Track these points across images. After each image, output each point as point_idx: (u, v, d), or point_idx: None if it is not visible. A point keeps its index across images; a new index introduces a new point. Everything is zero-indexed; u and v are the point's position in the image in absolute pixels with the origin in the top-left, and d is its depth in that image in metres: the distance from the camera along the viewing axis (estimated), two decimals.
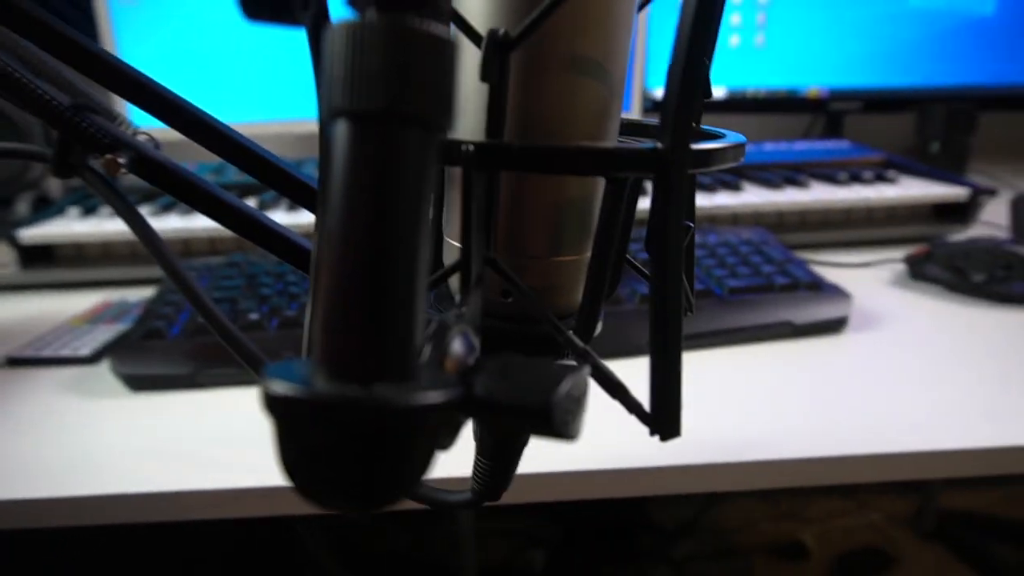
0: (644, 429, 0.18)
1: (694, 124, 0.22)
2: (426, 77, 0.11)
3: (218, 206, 0.28)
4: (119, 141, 0.29)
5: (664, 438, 0.17)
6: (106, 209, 0.70)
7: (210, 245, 0.67)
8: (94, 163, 0.29)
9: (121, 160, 0.29)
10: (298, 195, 0.28)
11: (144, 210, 0.70)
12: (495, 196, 0.17)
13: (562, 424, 0.13)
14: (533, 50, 0.17)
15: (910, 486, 1.27)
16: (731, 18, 0.94)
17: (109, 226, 0.66)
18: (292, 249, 0.24)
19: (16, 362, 0.48)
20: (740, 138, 0.19)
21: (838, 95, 0.97)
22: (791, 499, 1.27)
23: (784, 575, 1.17)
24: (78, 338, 0.51)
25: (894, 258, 0.65)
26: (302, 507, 0.37)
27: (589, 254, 0.19)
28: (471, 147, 0.16)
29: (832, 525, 1.23)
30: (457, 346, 0.14)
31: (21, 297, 0.63)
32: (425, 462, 0.12)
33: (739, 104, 0.96)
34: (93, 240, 0.65)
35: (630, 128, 0.23)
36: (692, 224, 0.21)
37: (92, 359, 0.49)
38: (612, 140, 0.20)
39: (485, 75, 0.16)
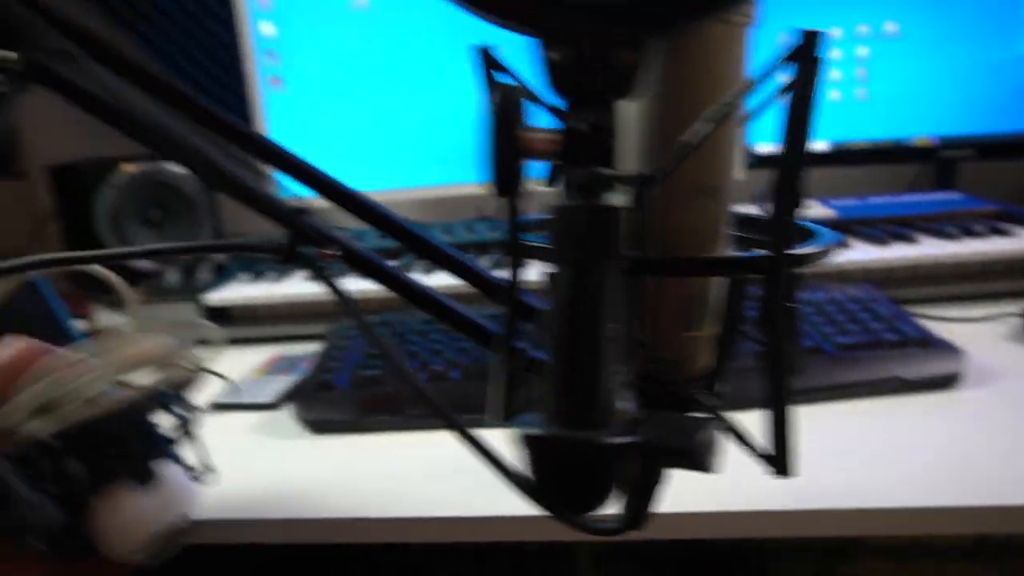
0: (761, 480, 0.23)
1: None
2: (608, 233, 0.17)
3: (405, 289, 0.36)
4: (328, 237, 0.38)
5: (782, 475, 0.23)
6: (270, 274, 0.82)
7: (360, 306, 0.76)
8: (309, 253, 0.38)
9: (332, 252, 0.38)
10: (430, 256, 0.36)
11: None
12: (642, 293, 0.23)
13: (702, 461, 0.19)
14: (668, 183, 0.24)
15: None
16: (830, 73, 0.97)
17: (274, 290, 0.77)
18: (475, 329, 0.31)
19: (219, 407, 0.59)
20: (836, 238, 0.25)
21: (949, 143, 0.97)
22: (923, 560, 1.20)
23: None
24: (261, 387, 0.61)
25: (1011, 312, 0.66)
26: (451, 536, 0.43)
27: (711, 330, 0.25)
28: None
29: None
30: (626, 405, 0.20)
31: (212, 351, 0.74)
32: (613, 483, 0.18)
33: (843, 157, 0.98)
34: (261, 302, 0.77)
35: (741, 221, 0.29)
36: (796, 304, 0.26)
37: (274, 405, 0.58)
38: (725, 238, 0.26)
39: (635, 206, 0.23)
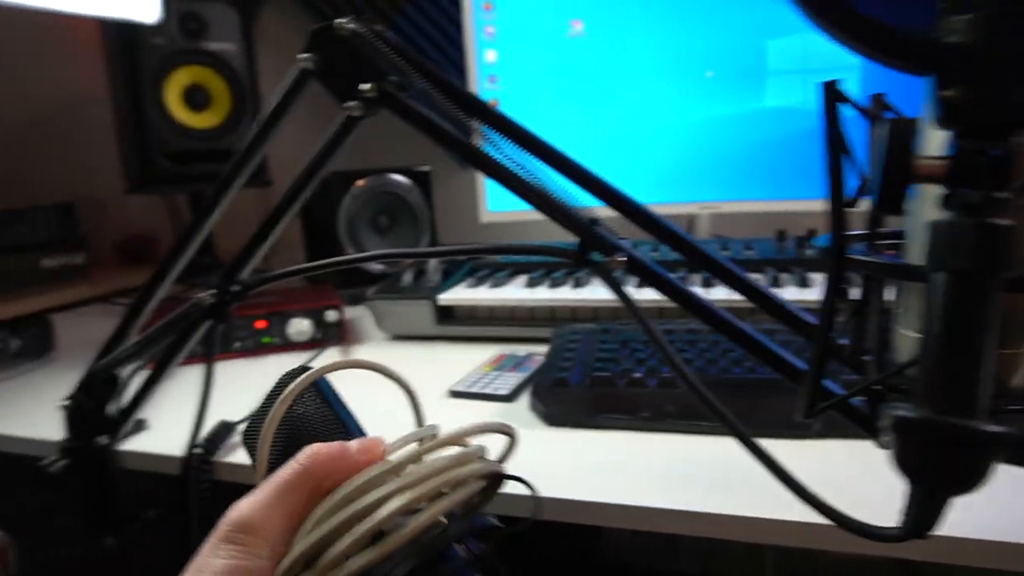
0: None
1: None
2: (997, 249, 0.19)
3: (687, 301, 0.39)
4: (615, 246, 0.42)
5: None
6: (488, 280, 0.89)
7: (571, 313, 0.81)
8: (600, 259, 0.42)
9: (620, 259, 0.42)
10: (710, 268, 0.39)
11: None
12: None
13: None
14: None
15: None
16: None
17: (490, 294, 0.84)
18: (762, 350, 0.34)
19: (456, 394, 0.66)
20: None
21: None
22: None
23: None
24: (492, 380, 0.67)
25: None
26: (692, 529, 0.46)
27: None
28: None
29: None
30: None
31: (438, 345, 0.83)
32: (983, 471, 0.20)
33: None
34: (483, 304, 0.84)
35: None
36: None
37: (509, 398, 0.64)
38: None
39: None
